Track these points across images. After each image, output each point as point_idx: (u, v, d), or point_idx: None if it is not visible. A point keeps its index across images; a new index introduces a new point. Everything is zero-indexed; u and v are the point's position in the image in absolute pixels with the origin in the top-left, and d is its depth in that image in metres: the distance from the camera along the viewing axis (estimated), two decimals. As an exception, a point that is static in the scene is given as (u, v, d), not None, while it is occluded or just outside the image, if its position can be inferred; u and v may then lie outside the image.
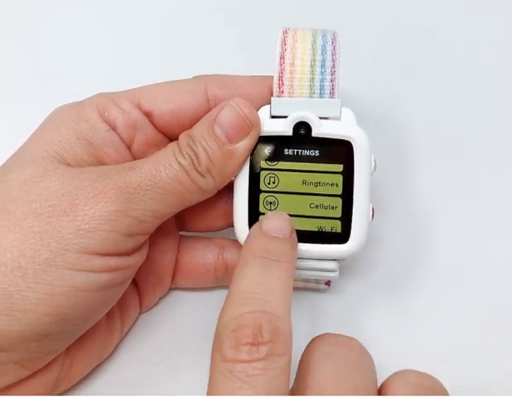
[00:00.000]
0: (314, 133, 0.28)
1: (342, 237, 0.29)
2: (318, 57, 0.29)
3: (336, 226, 0.29)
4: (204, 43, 0.39)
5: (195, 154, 0.27)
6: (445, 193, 0.35)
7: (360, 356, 0.26)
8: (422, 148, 0.36)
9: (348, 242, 0.29)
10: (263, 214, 0.29)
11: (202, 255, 0.32)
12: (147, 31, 0.40)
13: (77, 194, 0.25)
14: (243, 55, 0.38)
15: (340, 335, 0.27)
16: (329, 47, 0.29)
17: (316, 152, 0.28)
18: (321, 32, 0.30)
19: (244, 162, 0.28)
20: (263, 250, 0.26)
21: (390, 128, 0.37)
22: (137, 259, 0.27)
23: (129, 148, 0.29)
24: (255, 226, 0.27)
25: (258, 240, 0.27)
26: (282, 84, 0.29)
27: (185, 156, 0.27)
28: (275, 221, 0.27)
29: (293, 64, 0.29)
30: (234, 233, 0.30)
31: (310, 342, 0.26)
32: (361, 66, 0.37)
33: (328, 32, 0.30)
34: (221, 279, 0.32)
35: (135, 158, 0.29)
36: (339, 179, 0.28)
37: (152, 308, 0.33)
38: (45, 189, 0.26)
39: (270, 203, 0.29)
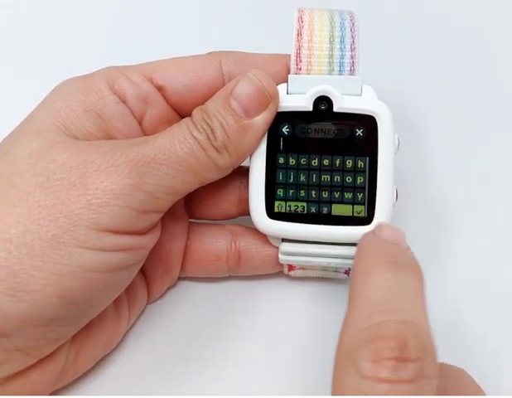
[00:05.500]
0: (335, 109, 0.27)
1: (365, 219, 0.27)
2: (337, 33, 0.28)
3: (360, 207, 0.27)
4: (219, 23, 0.39)
5: (211, 129, 0.25)
6: (464, 180, 0.34)
7: None
8: (441, 134, 0.35)
9: (371, 224, 0.27)
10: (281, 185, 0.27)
11: (213, 242, 0.30)
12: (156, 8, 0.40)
13: (87, 167, 0.24)
14: (258, 33, 0.38)
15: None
16: (347, 24, 0.28)
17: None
18: (337, 11, 0.29)
19: (262, 137, 0.27)
20: (391, 254, 0.22)
21: (409, 115, 0.36)
22: (149, 240, 0.26)
23: (140, 123, 0.28)
24: (368, 234, 0.24)
25: (379, 245, 0.23)
26: (300, 60, 0.28)
27: (201, 130, 0.25)
28: (391, 230, 0.24)
29: (311, 40, 0.28)
30: (246, 222, 0.28)
31: None
32: (378, 53, 0.35)
33: (345, 11, 0.29)
34: (234, 268, 0.30)
35: (146, 134, 0.28)
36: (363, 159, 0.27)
37: (159, 298, 0.31)
38: (53, 162, 0.24)
39: None
